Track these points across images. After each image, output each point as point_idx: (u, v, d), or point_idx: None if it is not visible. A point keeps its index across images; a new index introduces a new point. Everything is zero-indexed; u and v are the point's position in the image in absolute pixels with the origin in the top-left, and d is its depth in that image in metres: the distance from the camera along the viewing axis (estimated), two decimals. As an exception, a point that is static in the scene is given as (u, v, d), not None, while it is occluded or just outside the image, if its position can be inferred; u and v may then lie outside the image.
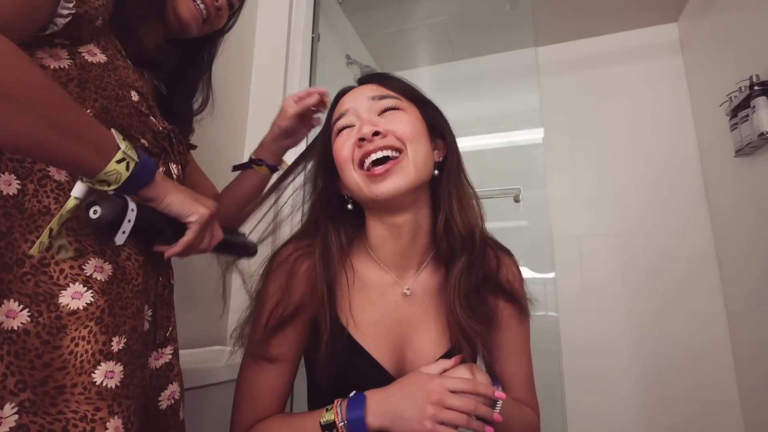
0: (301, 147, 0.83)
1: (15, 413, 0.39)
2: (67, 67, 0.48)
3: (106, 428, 0.42)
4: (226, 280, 1.12)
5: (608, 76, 1.96)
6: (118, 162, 0.44)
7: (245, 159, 0.87)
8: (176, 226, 0.53)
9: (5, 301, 0.41)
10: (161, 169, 0.58)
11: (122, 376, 0.45)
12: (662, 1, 1.78)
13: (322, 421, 0.55)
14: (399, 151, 0.60)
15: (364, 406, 0.54)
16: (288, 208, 0.75)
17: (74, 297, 0.44)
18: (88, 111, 0.48)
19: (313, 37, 1.52)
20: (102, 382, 0.43)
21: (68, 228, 0.47)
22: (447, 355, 0.63)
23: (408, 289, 0.67)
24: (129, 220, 0.46)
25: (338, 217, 0.68)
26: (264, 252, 0.75)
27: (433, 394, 0.53)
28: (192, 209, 0.52)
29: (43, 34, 0.46)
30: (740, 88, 1.33)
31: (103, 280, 0.47)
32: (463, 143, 0.71)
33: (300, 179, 0.74)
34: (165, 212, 0.51)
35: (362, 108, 0.63)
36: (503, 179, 1.60)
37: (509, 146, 1.83)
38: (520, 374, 0.68)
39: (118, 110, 0.51)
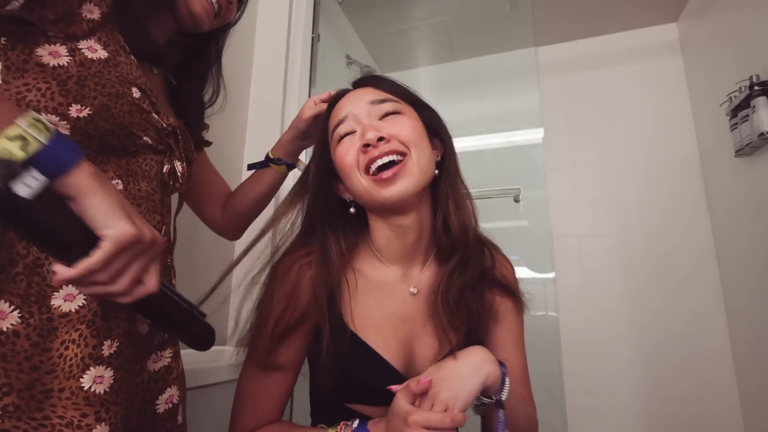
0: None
1: None
2: (66, 64, 0.47)
3: None
4: (227, 280, 1.11)
5: (608, 76, 1.96)
6: (11, 139, 0.35)
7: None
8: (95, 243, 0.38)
9: None
10: (166, 167, 0.56)
11: (112, 381, 0.44)
12: (662, 1, 1.78)
13: None
14: (403, 155, 0.60)
15: None
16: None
17: (66, 299, 0.44)
18: (87, 109, 0.47)
19: (313, 37, 1.52)
20: (90, 387, 0.42)
21: None
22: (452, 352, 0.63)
23: (415, 287, 0.67)
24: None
25: (337, 222, 0.68)
26: (266, 250, 0.74)
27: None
28: (111, 221, 0.38)
29: (4, 9, 0.43)
30: (740, 88, 1.33)
31: None
32: (463, 143, 0.71)
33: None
34: (81, 217, 0.38)
35: (362, 113, 0.63)
36: (503, 179, 1.59)
37: (509, 146, 1.83)
38: (517, 368, 0.68)
39: (119, 107, 0.50)
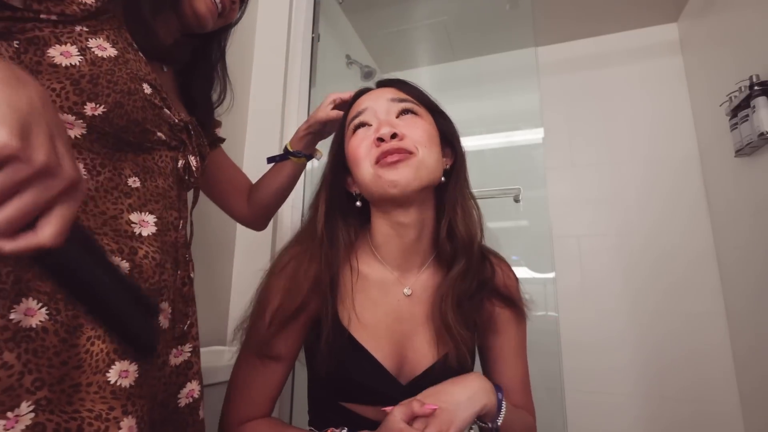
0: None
1: (31, 411, 0.39)
2: (78, 63, 0.47)
3: (120, 428, 0.43)
4: (227, 280, 1.12)
5: (608, 76, 1.96)
6: None
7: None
8: None
9: (24, 299, 0.41)
10: (181, 162, 0.57)
11: (137, 376, 0.45)
12: (662, 1, 1.78)
13: None
14: (410, 153, 0.62)
15: None
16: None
17: None
18: (102, 107, 0.48)
19: (313, 37, 1.52)
20: (116, 382, 0.44)
21: None
22: (444, 359, 0.63)
23: (409, 288, 0.67)
24: None
25: (347, 213, 0.70)
26: (266, 250, 0.75)
27: None
28: None
29: None
30: (740, 88, 1.33)
31: None
32: (463, 143, 0.72)
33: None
34: None
35: (381, 108, 0.66)
36: (503, 179, 1.59)
37: (509, 146, 1.83)
38: (517, 378, 0.69)
39: (132, 104, 0.51)
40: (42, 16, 0.47)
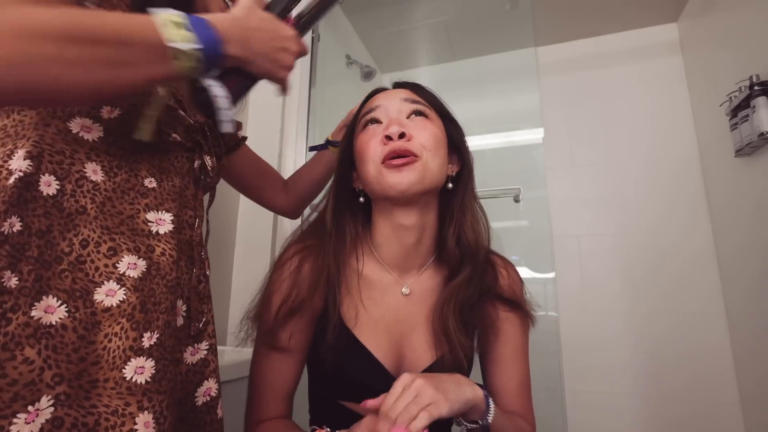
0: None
1: (51, 406, 0.40)
2: None
3: (135, 423, 0.43)
4: (227, 280, 1.12)
5: (608, 76, 1.96)
6: (177, 58, 0.42)
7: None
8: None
9: (44, 297, 0.42)
10: (197, 163, 0.59)
11: (153, 372, 0.46)
12: (662, 1, 1.78)
13: None
14: (416, 155, 0.62)
15: None
16: None
17: (108, 294, 0.46)
18: (117, 110, 0.49)
19: (313, 37, 1.52)
20: (132, 378, 0.44)
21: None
22: (440, 361, 0.63)
23: (407, 288, 0.68)
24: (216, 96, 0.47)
25: (353, 208, 0.71)
26: (266, 250, 0.75)
27: None
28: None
29: None
30: (740, 88, 1.33)
31: (135, 277, 0.48)
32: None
33: None
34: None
35: (393, 107, 0.67)
36: (503, 179, 1.60)
37: (509, 146, 1.83)
38: (514, 382, 0.68)
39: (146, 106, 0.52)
40: None
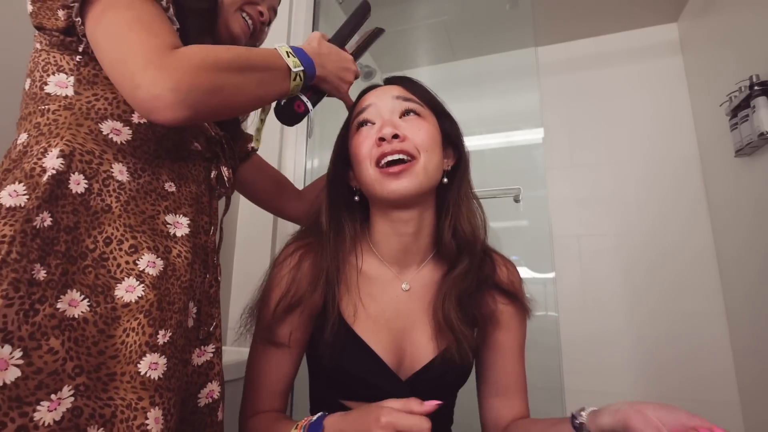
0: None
1: (71, 395, 0.41)
2: None
3: (147, 418, 0.44)
4: (227, 281, 1.12)
5: (608, 76, 1.96)
6: (293, 79, 0.58)
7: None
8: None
9: (69, 290, 0.44)
10: (214, 173, 0.62)
11: (165, 369, 0.47)
12: (662, 1, 1.78)
13: None
14: (412, 157, 0.62)
15: (321, 429, 0.54)
16: None
17: (128, 290, 0.48)
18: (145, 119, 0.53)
19: (313, 37, 1.52)
20: (146, 373, 0.46)
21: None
22: (444, 354, 0.63)
23: (407, 284, 0.68)
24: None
25: (350, 206, 0.70)
26: (266, 250, 0.75)
27: (381, 416, 0.49)
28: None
29: None
30: (740, 88, 1.33)
31: (154, 275, 0.49)
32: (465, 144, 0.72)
33: None
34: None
35: (385, 107, 0.66)
36: (503, 179, 1.59)
37: (509, 146, 1.83)
38: (516, 375, 0.69)
39: None
40: None
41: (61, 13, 0.50)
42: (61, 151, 0.47)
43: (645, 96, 1.88)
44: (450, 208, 0.67)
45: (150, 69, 0.44)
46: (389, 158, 0.61)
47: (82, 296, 0.45)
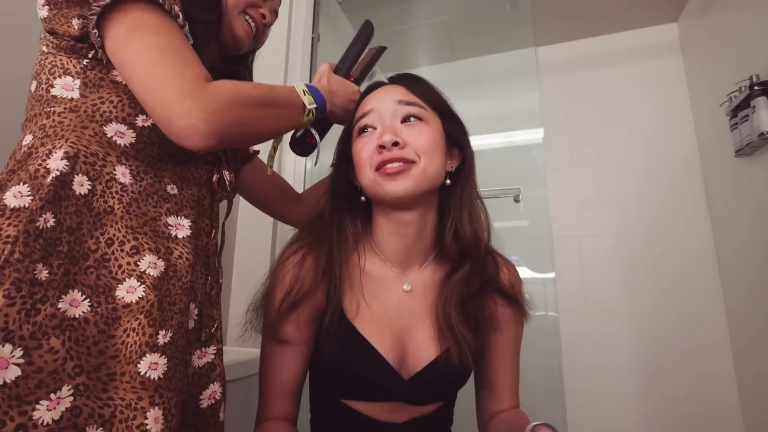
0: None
1: (71, 395, 0.42)
2: None
3: (146, 418, 0.45)
4: (227, 281, 1.12)
5: (608, 76, 1.96)
6: (306, 115, 0.62)
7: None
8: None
9: (70, 290, 0.45)
10: (216, 176, 0.64)
11: (165, 369, 0.48)
12: (662, 1, 1.78)
13: None
14: (412, 163, 0.62)
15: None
16: None
17: (129, 291, 0.48)
18: (151, 119, 0.53)
19: (313, 37, 1.52)
20: (146, 373, 0.46)
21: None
22: (445, 355, 0.64)
23: (408, 285, 0.68)
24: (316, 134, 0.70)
25: (353, 205, 0.70)
26: (266, 250, 0.75)
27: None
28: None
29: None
30: (740, 88, 1.33)
31: (155, 275, 0.50)
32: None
33: None
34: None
35: (387, 111, 0.65)
36: (503, 179, 1.59)
37: (509, 146, 1.83)
38: (512, 376, 0.71)
39: None
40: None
41: (75, 22, 0.50)
42: (66, 152, 0.48)
43: (645, 96, 1.88)
44: (451, 210, 0.67)
45: (186, 100, 0.47)
46: (389, 166, 0.61)
47: (84, 296, 0.46)
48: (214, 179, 0.63)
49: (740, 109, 1.33)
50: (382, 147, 0.61)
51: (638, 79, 1.91)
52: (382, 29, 2.09)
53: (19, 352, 0.39)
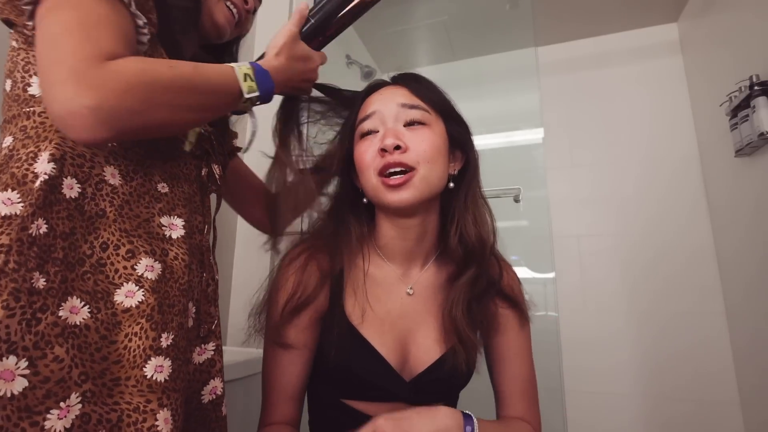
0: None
1: (79, 402, 0.42)
2: None
3: (157, 419, 0.45)
4: (227, 280, 1.11)
5: (608, 76, 1.96)
6: (244, 102, 0.54)
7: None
8: None
9: (69, 297, 0.44)
10: (204, 171, 0.61)
11: (170, 371, 0.48)
12: (662, 1, 1.78)
13: None
14: (411, 169, 0.61)
15: None
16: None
17: (128, 295, 0.48)
18: None
19: (313, 37, 1.52)
20: (152, 376, 0.46)
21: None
22: (448, 356, 0.64)
23: (411, 288, 0.68)
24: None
25: (356, 207, 0.70)
26: (264, 253, 0.75)
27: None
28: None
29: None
30: (740, 88, 1.33)
31: (153, 278, 0.49)
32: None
33: None
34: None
35: (389, 115, 0.64)
36: (503, 179, 1.60)
37: (509, 146, 1.83)
38: (517, 381, 0.68)
39: None
40: None
41: (26, 9, 0.46)
42: (52, 155, 0.46)
43: (645, 96, 1.88)
44: (455, 214, 0.67)
45: (70, 82, 0.40)
46: (391, 170, 0.61)
47: (83, 303, 0.45)
48: (203, 173, 0.61)
49: (740, 109, 1.33)
50: (384, 150, 0.61)
51: (638, 79, 1.91)
52: (382, 29, 2.10)
53: (24, 363, 0.39)
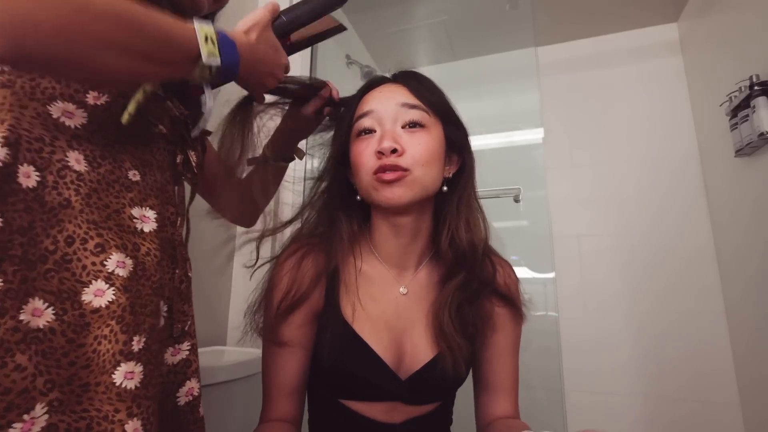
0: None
1: (45, 413, 0.39)
2: None
3: (125, 430, 0.42)
4: (227, 280, 1.11)
5: (608, 76, 1.96)
6: (200, 70, 0.45)
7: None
8: None
9: (30, 299, 0.40)
10: (179, 157, 0.56)
11: (141, 377, 0.44)
12: (662, 1, 1.78)
13: None
14: (407, 171, 0.61)
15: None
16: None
17: (97, 294, 0.44)
18: (105, 96, 0.47)
19: (313, 37, 1.51)
20: (122, 384, 0.43)
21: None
22: (440, 356, 0.64)
23: (405, 288, 0.68)
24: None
25: (349, 206, 0.70)
26: (266, 249, 0.75)
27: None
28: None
29: None
30: (740, 88, 1.33)
31: (124, 276, 0.45)
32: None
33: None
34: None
35: (388, 115, 0.63)
36: (503, 179, 1.60)
37: (509, 146, 1.83)
38: (510, 377, 0.70)
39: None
40: None
41: None
42: (5, 138, 0.40)
43: (645, 96, 1.88)
44: (447, 217, 0.67)
45: None
46: (386, 173, 0.61)
47: (46, 304, 0.41)
48: (178, 160, 0.56)
49: (740, 109, 1.33)
50: (380, 153, 0.61)
51: (638, 79, 1.91)
52: (382, 29, 2.10)
53: None
